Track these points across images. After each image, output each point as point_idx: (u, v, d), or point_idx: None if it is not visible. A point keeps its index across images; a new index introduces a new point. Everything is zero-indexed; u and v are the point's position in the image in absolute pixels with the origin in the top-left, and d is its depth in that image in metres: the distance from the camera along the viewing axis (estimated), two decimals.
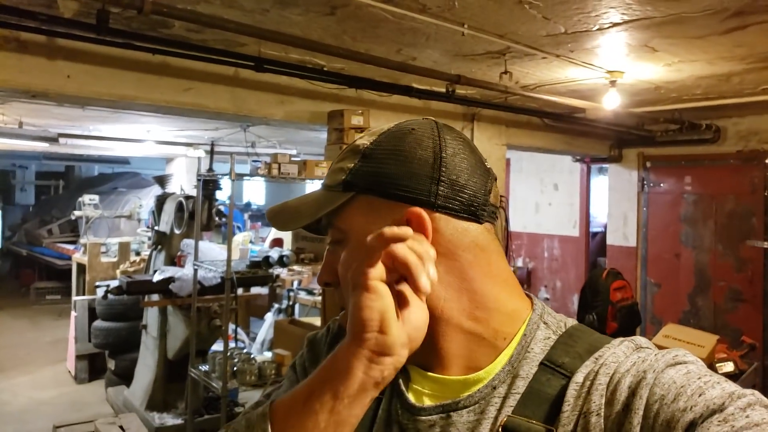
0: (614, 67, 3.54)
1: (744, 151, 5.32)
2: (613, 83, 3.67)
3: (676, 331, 3.63)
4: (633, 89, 4.15)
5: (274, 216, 0.73)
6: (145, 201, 8.31)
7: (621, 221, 6.19)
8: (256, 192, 15.91)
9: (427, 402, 0.67)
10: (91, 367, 5.71)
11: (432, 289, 0.58)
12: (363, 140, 0.70)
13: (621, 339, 0.64)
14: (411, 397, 0.69)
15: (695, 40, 2.97)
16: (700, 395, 0.53)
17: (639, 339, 0.64)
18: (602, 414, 0.56)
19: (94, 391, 5.46)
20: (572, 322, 0.69)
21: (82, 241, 7.32)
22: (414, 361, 0.70)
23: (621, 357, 0.60)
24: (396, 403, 0.70)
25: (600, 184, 6.99)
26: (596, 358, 0.61)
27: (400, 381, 0.72)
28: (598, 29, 2.82)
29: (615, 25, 2.75)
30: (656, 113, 4.91)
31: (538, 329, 0.67)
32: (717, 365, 3.35)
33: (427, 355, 0.66)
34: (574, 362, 0.62)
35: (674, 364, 0.57)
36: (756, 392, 0.53)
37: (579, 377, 0.60)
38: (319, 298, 4.62)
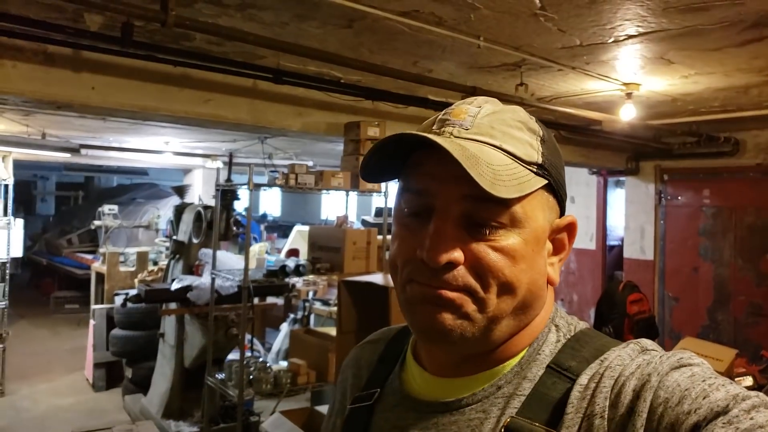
0: (630, 80, 3.54)
1: (764, 164, 5.26)
2: (629, 95, 3.67)
3: (694, 345, 3.59)
4: (649, 101, 4.14)
5: (469, 160, 0.58)
6: (162, 211, 8.42)
7: (638, 234, 6.14)
8: (272, 203, 16.03)
9: (430, 399, 0.67)
10: (109, 375, 5.76)
11: None
12: (520, 115, 0.66)
13: (627, 342, 0.63)
14: (414, 395, 0.70)
15: (712, 52, 2.96)
16: (704, 398, 0.52)
17: (645, 341, 0.63)
18: (606, 416, 0.56)
19: (112, 398, 5.51)
20: (583, 325, 0.69)
21: (101, 250, 7.42)
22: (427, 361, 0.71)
23: (626, 359, 0.60)
24: (398, 402, 0.70)
25: (617, 197, 6.95)
26: (601, 361, 0.61)
27: (402, 378, 0.73)
28: (613, 41, 2.83)
29: (630, 37, 2.76)
30: (673, 126, 4.88)
31: (550, 332, 0.67)
32: (736, 379, 3.30)
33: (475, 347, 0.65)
34: (580, 366, 0.62)
35: (679, 366, 0.57)
36: (761, 394, 0.53)
37: (584, 379, 0.60)
38: (335, 308, 4.63)
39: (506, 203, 0.60)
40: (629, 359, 0.60)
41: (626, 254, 6.29)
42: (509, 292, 0.62)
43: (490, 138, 0.62)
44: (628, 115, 3.79)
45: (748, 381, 3.33)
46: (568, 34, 2.73)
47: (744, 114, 4.35)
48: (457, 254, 0.60)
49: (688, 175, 5.79)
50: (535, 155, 0.63)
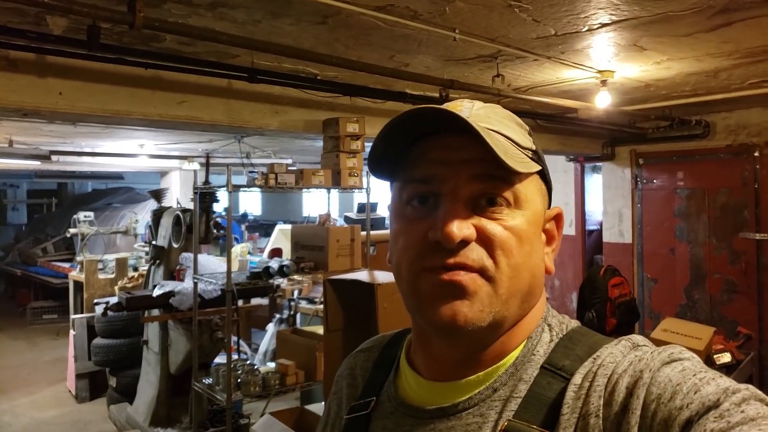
0: (604, 67, 3.58)
1: (734, 145, 5.38)
2: (603, 83, 3.71)
3: (674, 325, 3.68)
4: (623, 88, 4.19)
5: (483, 132, 0.60)
6: (140, 216, 8.28)
7: (616, 218, 6.23)
8: (252, 203, 15.89)
9: (427, 405, 0.67)
10: (92, 386, 5.66)
11: None
12: (508, 112, 0.69)
13: (619, 338, 0.64)
14: (410, 401, 0.69)
15: (683, 38, 3.01)
16: (695, 392, 0.53)
17: (636, 337, 0.64)
18: (601, 415, 0.56)
19: (96, 409, 5.42)
20: (574, 323, 0.69)
21: (78, 258, 7.28)
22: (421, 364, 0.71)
23: (618, 357, 0.61)
24: (394, 409, 0.70)
25: (594, 182, 7.03)
26: (594, 359, 0.62)
27: (397, 385, 0.73)
28: (587, 30, 2.85)
29: (604, 25, 2.78)
30: (647, 111, 4.96)
31: (543, 332, 0.67)
32: (714, 356, 3.40)
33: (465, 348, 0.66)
34: (573, 365, 0.62)
35: (670, 361, 0.57)
36: (750, 386, 0.53)
37: (578, 378, 0.60)
38: (321, 306, 4.61)
39: (512, 181, 0.63)
40: (621, 356, 0.61)
41: (605, 238, 6.38)
42: (517, 274, 0.63)
43: (489, 124, 0.64)
44: (603, 102, 3.83)
45: (726, 357, 3.42)
46: (543, 24, 2.75)
47: (714, 97, 4.43)
48: (471, 231, 0.61)
49: (662, 159, 5.89)
50: (529, 143, 0.67)
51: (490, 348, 0.65)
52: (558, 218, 0.71)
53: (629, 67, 3.61)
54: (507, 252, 0.62)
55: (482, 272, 0.61)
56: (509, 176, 0.63)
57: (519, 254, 0.63)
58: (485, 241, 0.62)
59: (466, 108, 0.66)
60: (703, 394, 0.52)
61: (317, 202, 11.24)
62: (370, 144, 0.80)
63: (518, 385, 0.63)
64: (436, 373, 0.68)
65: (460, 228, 0.60)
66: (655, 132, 5.59)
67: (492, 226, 0.62)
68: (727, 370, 3.31)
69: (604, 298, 4.15)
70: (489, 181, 0.63)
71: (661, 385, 0.55)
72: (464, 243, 0.61)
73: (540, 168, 0.68)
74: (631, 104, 4.79)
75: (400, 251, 0.66)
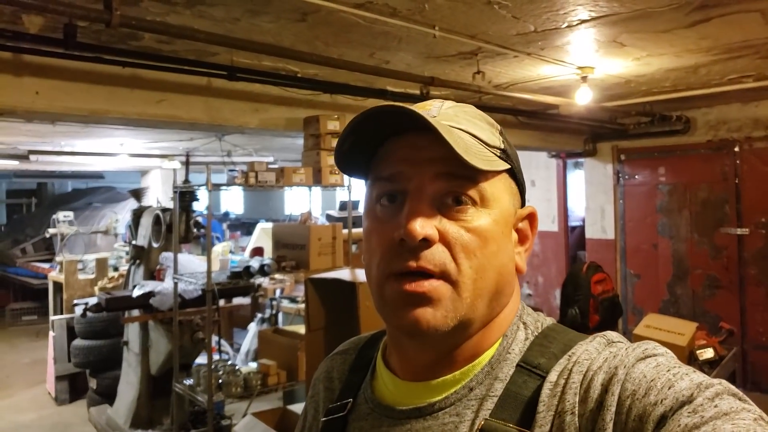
0: (585, 63, 3.59)
1: (714, 141, 5.44)
2: (584, 79, 3.72)
3: (657, 321, 3.70)
4: (604, 84, 4.21)
5: (443, 129, 0.60)
6: (121, 215, 8.18)
7: (599, 214, 6.27)
8: (234, 201, 15.77)
9: (403, 406, 0.67)
10: (72, 388, 5.58)
11: None
12: (479, 111, 0.69)
13: (593, 335, 0.64)
14: (386, 402, 0.69)
15: (662, 34, 3.02)
16: (669, 388, 0.53)
17: (611, 334, 0.65)
18: (576, 412, 0.57)
19: (76, 411, 5.35)
20: (549, 321, 0.69)
21: (57, 259, 7.18)
22: (395, 364, 0.70)
23: (593, 353, 0.61)
24: (371, 410, 0.70)
25: (576, 178, 7.08)
26: (569, 356, 0.62)
27: (374, 386, 0.73)
28: (567, 26, 2.85)
29: (583, 22, 2.79)
30: (628, 107, 4.99)
31: (519, 330, 0.67)
32: (697, 352, 3.41)
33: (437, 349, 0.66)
34: (549, 362, 0.62)
35: (644, 357, 0.58)
36: (724, 381, 0.54)
37: (553, 376, 0.61)
38: (303, 305, 4.59)
39: (477, 180, 0.63)
40: (596, 353, 0.61)
41: (588, 234, 6.42)
42: (482, 275, 0.63)
43: (456, 123, 0.64)
44: (584, 98, 3.84)
45: (709, 353, 3.43)
46: (522, 20, 2.75)
47: (693, 93, 4.47)
48: (433, 231, 0.61)
49: (643, 154, 5.93)
50: (498, 141, 0.67)
51: (462, 348, 0.65)
52: (531, 217, 0.71)
53: (609, 63, 3.62)
54: (469, 254, 0.62)
55: (444, 276, 0.61)
56: (474, 175, 0.63)
57: (483, 255, 0.62)
58: (448, 243, 0.62)
59: (435, 107, 0.66)
60: (677, 389, 0.53)
61: (300, 201, 11.19)
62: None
63: (494, 383, 0.63)
64: (411, 373, 0.68)
65: (423, 226, 0.60)
66: (636, 128, 5.63)
67: (454, 229, 0.62)
68: (710, 365, 3.32)
69: (587, 294, 4.17)
70: (453, 179, 0.62)
71: (635, 381, 0.55)
72: (426, 242, 0.61)
73: (509, 167, 0.67)
74: (611, 100, 4.81)
75: (370, 252, 0.66)
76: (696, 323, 3.57)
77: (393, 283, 0.62)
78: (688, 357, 3.34)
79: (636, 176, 6.03)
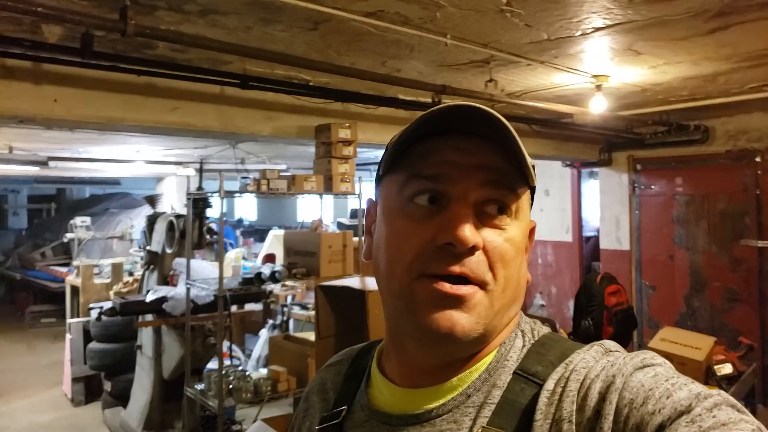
0: (599, 72, 3.55)
1: (733, 151, 5.34)
2: (599, 87, 3.69)
3: (673, 335, 3.62)
4: (619, 92, 4.16)
5: (510, 142, 0.61)
6: (136, 221, 8.28)
7: (613, 225, 6.19)
8: (247, 208, 15.88)
9: (400, 412, 0.66)
10: (88, 390, 5.65)
11: None
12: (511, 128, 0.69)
13: (591, 344, 0.64)
14: (383, 409, 0.68)
15: (679, 41, 2.98)
16: (667, 397, 0.53)
17: (608, 343, 0.64)
18: (574, 421, 0.56)
19: (91, 413, 5.40)
20: (545, 329, 0.69)
21: (75, 263, 7.28)
22: (394, 372, 0.70)
23: (591, 362, 0.61)
24: (367, 417, 0.69)
25: (591, 188, 7.00)
26: (566, 364, 0.62)
27: (370, 394, 0.72)
28: (581, 34, 2.83)
29: (597, 29, 2.76)
30: (644, 116, 4.93)
31: (516, 337, 0.67)
32: (715, 367, 3.32)
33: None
34: (546, 370, 0.62)
35: (642, 366, 0.58)
36: (722, 392, 0.54)
37: (550, 384, 0.60)
38: (313, 312, 4.59)
39: (516, 191, 0.63)
40: (594, 361, 0.61)
41: (602, 245, 6.34)
42: (509, 285, 0.63)
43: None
44: (598, 107, 3.80)
45: (728, 368, 3.33)
46: (536, 28, 2.73)
47: (712, 102, 4.40)
48: (480, 240, 0.61)
49: (660, 164, 5.85)
50: (529, 160, 0.65)
51: (462, 356, 0.65)
52: (533, 231, 0.71)
53: (625, 72, 3.58)
54: (505, 264, 0.62)
55: (480, 284, 0.61)
56: (515, 186, 0.63)
57: (513, 266, 0.63)
58: (486, 251, 0.62)
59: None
60: (675, 399, 0.52)
61: (312, 208, 11.22)
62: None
63: (492, 391, 0.63)
64: (409, 379, 0.67)
65: (474, 234, 0.60)
66: (652, 137, 5.56)
67: (494, 237, 0.62)
68: (728, 381, 3.24)
69: (601, 305, 4.11)
70: (498, 188, 0.62)
71: (633, 390, 0.55)
72: (473, 249, 0.60)
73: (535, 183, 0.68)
74: (627, 109, 4.76)
75: (394, 249, 0.63)
76: (714, 338, 3.49)
77: (426, 282, 0.61)
78: (706, 372, 3.26)
79: (652, 186, 5.95)
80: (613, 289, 4.21)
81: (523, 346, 0.66)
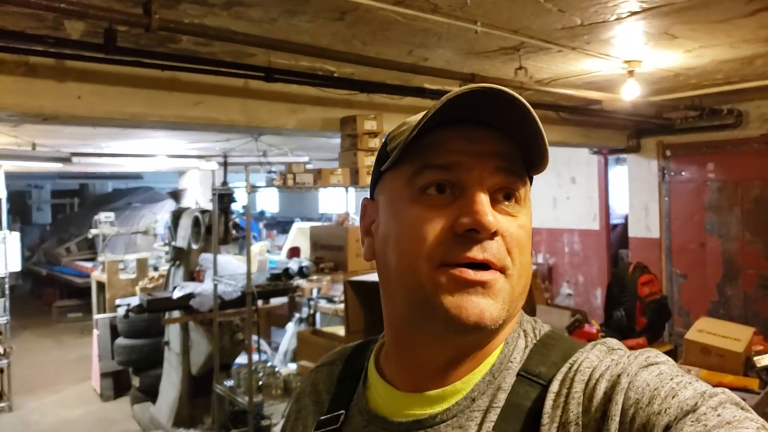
0: (632, 57, 3.45)
1: None
2: (631, 73, 3.58)
3: (710, 325, 3.51)
4: (651, 78, 4.05)
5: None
6: (160, 215, 8.32)
7: (642, 212, 6.06)
8: (269, 200, 15.92)
9: (402, 417, 0.64)
10: (116, 385, 5.71)
11: None
12: None
13: (593, 343, 0.63)
14: (383, 413, 0.66)
15: (718, 24, 2.87)
16: (673, 397, 0.53)
17: (610, 341, 0.64)
18: (581, 423, 0.56)
19: (120, 408, 5.46)
20: (546, 328, 0.68)
21: (100, 258, 7.35)
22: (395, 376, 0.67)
23: (595, 361, 0.60)
24: (367, 422, 0.67)
25: (618, 174, 6.86)
26: (570, 364, 0.61)
27: (368, 397, 0.69)
28: (615, 19, 2.74)
29: (633, 14, 2.67)
30: (675, 101, 4.80)
31: (519, 338, 0.66)
32: (755, 358, 3.23)
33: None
34: (549, 371, 0.61)
35: (647, 365, 0.57)
36: (727, 390, 0.54)
37: (555, 386, 0.59)
38: (340, 306, 4.56)
39: (524, 179, 0.64)
40: (597, 361, 0.60)
41: (631, 233, 6.22)
42: (525, 272, 0.63)
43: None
44: (630, 93, 3.70)
45: (767, 359, 3.25)
46: (569, 14, 2.64)
47: (748, 85, 4.26)
48: (500, 224, 0.60)
49: (691, 150, 5.70)
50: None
51: (474, 351, 0.63)
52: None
53: (658, 56, 3.47)
54: (521, 250, 0.62)
55: (502, 270, 0.60)
56: (524, 174, 0.63)
57: (527, 253, 0.64)
58: (504, 238, 0.61)
59: None
60: (681, 398, 0.53)
61: (334, 199, 11.19)
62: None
63: (497, 394, 0.61)
64: (411, 383, 0.65)
65: (496, 218, 0.59)
66: (683, 122, 5.41)
67: (509, 223, 0.62)
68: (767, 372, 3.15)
69: (634, 296, 4.02)
70: (509, 175, 0.62)
71: (639, 389, 0.55)
72: (493, 236, 0.60)
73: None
74: (658, 94, 4.63)
75: (408, 242, 0.61)
76: (753, 328, 3.39)
77: (449, 273, 0.59)
78: (745, 363, 3.17)
79: (683, 172, 5.80)
80: (646, 279, 4.12)
81: (526, 346, 0.65)
